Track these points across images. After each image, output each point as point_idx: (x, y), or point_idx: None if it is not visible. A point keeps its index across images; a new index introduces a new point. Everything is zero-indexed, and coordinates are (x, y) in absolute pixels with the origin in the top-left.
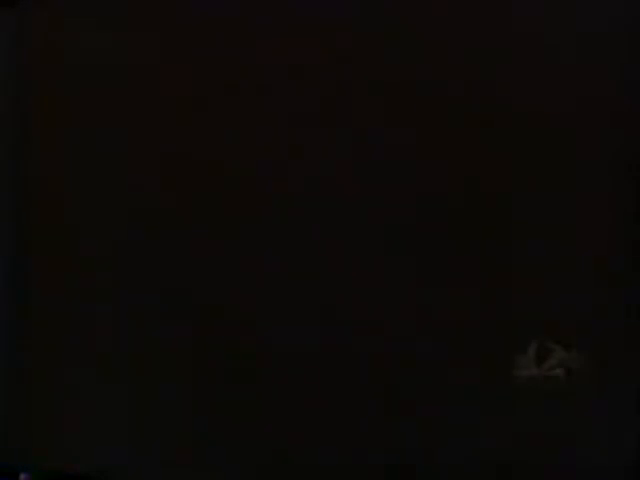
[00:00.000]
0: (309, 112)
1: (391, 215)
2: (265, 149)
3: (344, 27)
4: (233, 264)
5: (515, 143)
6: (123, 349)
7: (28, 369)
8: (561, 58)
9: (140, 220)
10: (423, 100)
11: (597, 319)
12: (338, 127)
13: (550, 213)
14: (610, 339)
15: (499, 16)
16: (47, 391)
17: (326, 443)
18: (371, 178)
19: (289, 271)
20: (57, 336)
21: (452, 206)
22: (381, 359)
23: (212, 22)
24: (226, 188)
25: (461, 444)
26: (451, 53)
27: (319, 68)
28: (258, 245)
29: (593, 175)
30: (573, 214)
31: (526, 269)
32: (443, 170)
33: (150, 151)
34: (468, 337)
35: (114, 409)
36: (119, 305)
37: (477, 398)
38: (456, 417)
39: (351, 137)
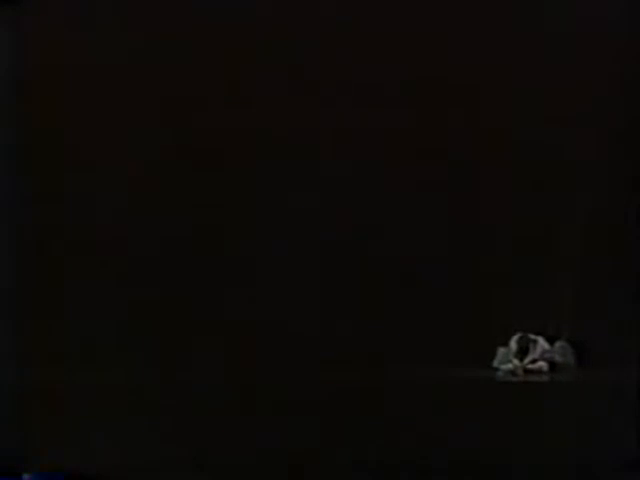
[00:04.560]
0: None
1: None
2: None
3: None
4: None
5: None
6: (124, 352)
7: (29, 371)
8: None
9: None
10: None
11: (598, 318)
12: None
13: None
14: (612, 336)
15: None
16: (49, 393)
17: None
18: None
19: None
20: (58, 340)
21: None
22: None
23: (210, 21)
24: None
25: (460, 444)
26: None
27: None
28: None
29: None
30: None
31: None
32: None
33: (151, 148)
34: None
35: (115, 410)
36: (120, 303)
37: (475, 397)
38: (449, 416)
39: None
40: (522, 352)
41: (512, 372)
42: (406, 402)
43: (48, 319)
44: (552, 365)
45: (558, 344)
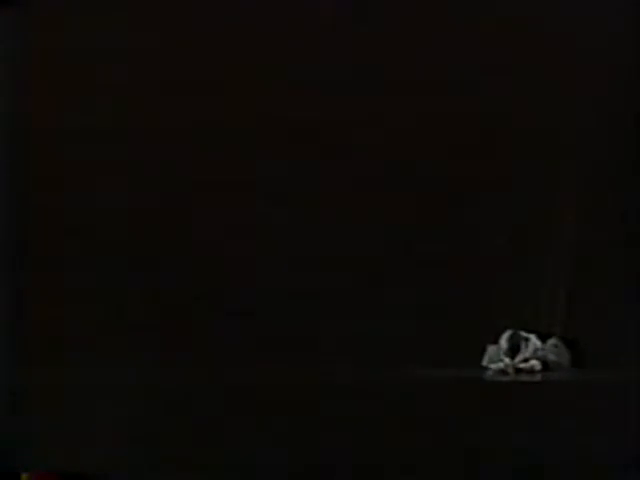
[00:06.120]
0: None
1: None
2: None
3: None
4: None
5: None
6: (124, 352)
7: (29, 371)
8: None
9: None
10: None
11: (599, 317)
12: None
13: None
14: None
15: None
16: (48, 393)
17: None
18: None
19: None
20: (57, 340)
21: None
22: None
23: (208, 21)
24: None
25: (458, 444)
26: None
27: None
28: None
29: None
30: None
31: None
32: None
33: (150, 150)
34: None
35: (114, 410)
36: (120, 304)
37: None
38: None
39: None
40: (513, 350)
41: (503, 371)
42: (397, 402)
43: (47, 319)
44: (545, 364)
45: (550, 342)
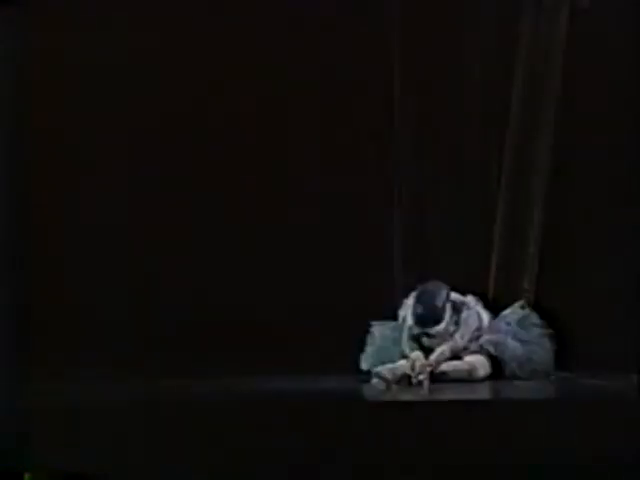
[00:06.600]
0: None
1: None
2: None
3: None
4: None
5: None
6: (124, 352)
7: (30, 371)
8: None
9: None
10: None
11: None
12: None
13: None
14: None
15: None
16: (48, 393)
17: None
18: None
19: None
20: (57, 341)
21: None
22: None
23: (208, 21)
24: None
25: (457, 444)
26: None
27: None
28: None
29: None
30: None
31: None
32: None
33: (150, 150)
34: None
35: (115, 410)
36: (119, 308)
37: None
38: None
39: None
40: (423, 326)
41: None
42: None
43: (48, 319)
44: (491, 359)
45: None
